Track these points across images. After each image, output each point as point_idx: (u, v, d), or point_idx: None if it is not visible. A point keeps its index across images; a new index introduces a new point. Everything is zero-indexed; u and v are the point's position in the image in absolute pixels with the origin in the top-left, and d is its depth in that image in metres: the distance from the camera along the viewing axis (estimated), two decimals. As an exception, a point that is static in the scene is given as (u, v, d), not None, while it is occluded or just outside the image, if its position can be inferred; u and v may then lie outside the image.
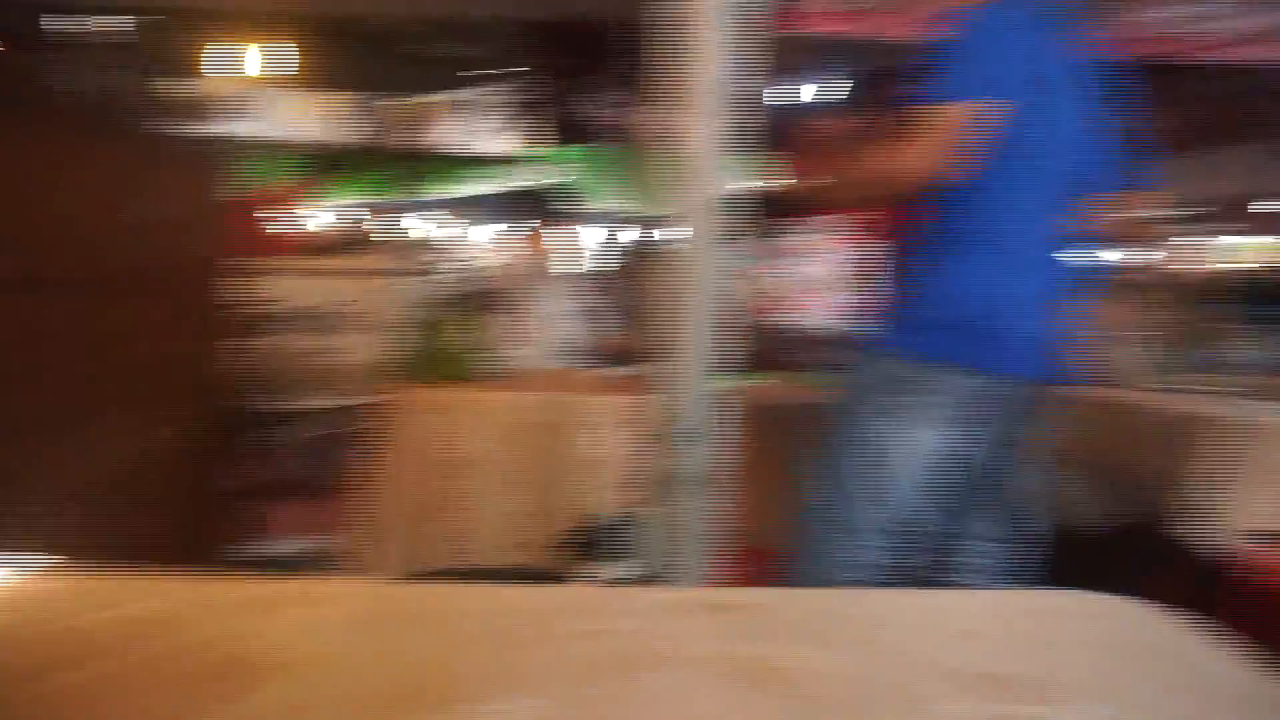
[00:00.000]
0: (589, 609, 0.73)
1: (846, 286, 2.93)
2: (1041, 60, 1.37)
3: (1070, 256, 1.50)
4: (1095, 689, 0.61)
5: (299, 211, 5.01)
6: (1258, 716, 0.60)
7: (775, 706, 0.56)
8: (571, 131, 5.43)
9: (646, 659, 0.62)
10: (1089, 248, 1.56)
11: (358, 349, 2.81)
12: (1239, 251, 6.58)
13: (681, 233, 1.26)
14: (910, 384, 1.40)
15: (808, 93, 4.23)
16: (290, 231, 4.63)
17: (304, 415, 2.81)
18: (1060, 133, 1.40)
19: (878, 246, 1.63)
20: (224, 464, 2.24)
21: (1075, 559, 1.40)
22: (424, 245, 6.13)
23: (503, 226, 6.92)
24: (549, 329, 2.71)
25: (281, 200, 4.71)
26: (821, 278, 3.30)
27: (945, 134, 1.28)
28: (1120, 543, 1.96)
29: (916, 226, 1.44)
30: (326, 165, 5.85)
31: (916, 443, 1.39)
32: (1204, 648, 0.67)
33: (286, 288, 2.79)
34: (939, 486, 1.42)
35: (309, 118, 5.93)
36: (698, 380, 1.28)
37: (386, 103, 6.05)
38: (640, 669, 0.61)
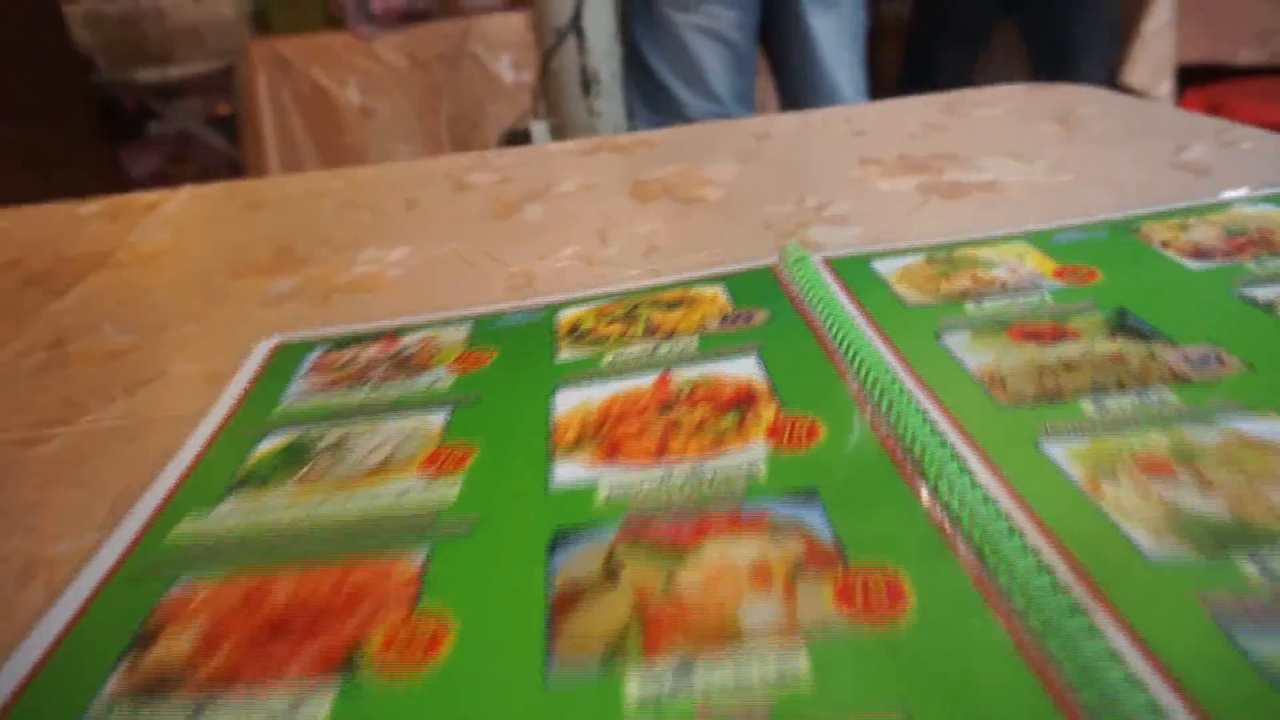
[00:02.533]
0: (473, 167, 0.71)
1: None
2: None
3: None
4: (1025, 152, 0.58)
5: None
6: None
7: (664, 213, 0.55)
8: None
9: (535, 196, 0.61)
10: None
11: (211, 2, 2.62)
12: None
13: None
14: None
15: None
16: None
17: (172, 88, 2.64)
18: None
19: None
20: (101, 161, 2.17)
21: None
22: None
23: None
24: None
25: None
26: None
27: None
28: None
29: None
30: None
31: (702, 25, 1.36)
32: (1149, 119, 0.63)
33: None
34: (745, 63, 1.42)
35: None
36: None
37: None
38: (528, 204, 0.60)
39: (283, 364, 0.41)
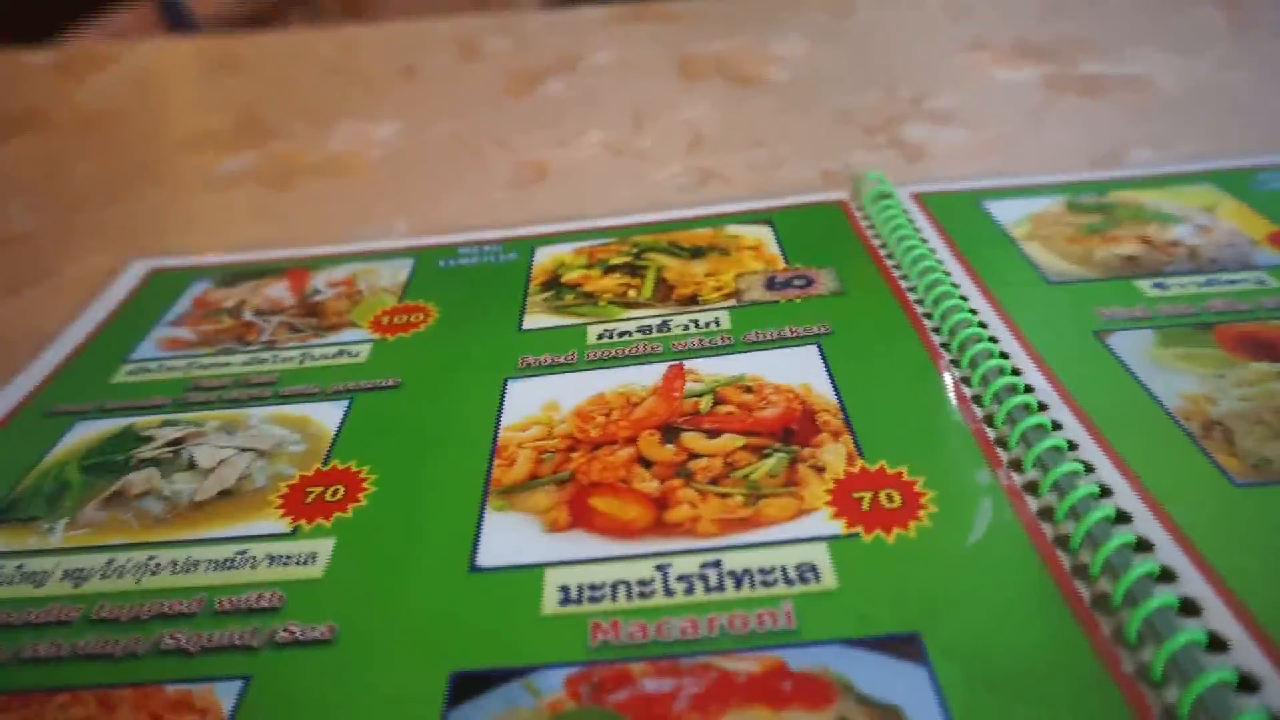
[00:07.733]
0: (488, 30, 0.59)
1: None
2: None
3: None
4: (1182, 43, 0.46)
5: None
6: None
7: (716, 96, 0.44)
8: None
9: (560, 69, 0.50)
10: None
11: None
12: None
13: None
14: None
15: None
16: None
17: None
18: None
19: None
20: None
21: None
22: None
23: None
24: None
25: None
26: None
27: None
28: None
29: None
30: None
31: None
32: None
33: None
34: None
35: None
36: None
37: None
38: (550, 78, 0.49)
39: (150, 301, 0.30)
